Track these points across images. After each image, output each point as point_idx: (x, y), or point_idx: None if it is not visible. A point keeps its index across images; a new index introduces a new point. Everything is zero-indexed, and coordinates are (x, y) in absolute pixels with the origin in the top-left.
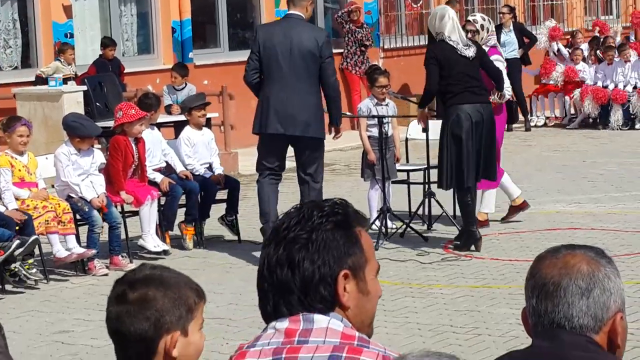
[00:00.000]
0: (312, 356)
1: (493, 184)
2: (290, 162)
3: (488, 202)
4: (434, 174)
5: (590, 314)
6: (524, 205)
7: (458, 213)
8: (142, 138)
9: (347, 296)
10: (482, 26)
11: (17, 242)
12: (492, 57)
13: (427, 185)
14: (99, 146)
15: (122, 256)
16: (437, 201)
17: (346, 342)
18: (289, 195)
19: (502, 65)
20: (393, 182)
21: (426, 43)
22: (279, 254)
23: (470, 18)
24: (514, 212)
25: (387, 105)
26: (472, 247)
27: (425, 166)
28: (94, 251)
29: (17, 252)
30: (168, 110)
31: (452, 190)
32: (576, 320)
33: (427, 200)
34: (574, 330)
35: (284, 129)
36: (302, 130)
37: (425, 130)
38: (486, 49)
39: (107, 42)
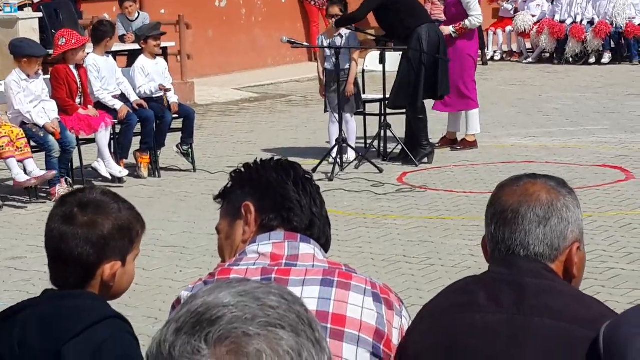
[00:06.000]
0: (303, 279)
1: (472, 104)
2: None
3: (473, 123)
4: None
5: (547, 242)
6: (474, 144)
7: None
8: (82, 65)
9: None
10: None
11: None
12: None
13: (383, 117)
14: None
15: (66, 180)
16: (393, 132)
17: (335, 267)
18: None
19: None
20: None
21: None
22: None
23: None
24: (463, 145)
25: (342, 36)
26: (425, 160)
27: (382, 97)
28: (54, 172)
29: None
30: (122, 39)
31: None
32: (532, 248)
33: (382, 131)
34: (530, 257)
35: None
36: None
37: (382, 61)
38: None
39: None
